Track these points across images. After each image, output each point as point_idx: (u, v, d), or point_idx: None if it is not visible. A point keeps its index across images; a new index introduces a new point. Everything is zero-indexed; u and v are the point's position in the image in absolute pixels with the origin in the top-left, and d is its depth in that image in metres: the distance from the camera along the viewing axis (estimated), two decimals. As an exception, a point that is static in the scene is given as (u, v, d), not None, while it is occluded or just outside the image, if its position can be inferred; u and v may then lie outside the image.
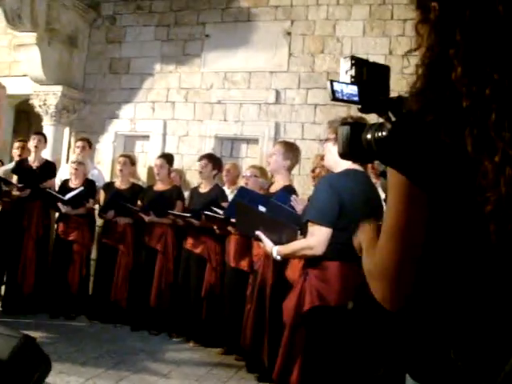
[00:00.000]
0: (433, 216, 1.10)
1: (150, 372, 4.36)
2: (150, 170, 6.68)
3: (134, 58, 7.28)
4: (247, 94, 6.68)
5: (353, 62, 1.48)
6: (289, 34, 6.59)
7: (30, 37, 6.88)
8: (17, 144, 6.11)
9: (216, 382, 4.23)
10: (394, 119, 1.36)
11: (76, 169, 6.01)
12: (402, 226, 1.09)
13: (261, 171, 5.10)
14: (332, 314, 2.59)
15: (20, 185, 5.86)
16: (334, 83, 1.45)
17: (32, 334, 3.64)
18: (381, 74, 1.54)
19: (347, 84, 1.46)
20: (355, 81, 1.47)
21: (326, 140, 2.86)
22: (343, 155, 1.54)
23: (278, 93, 6.56)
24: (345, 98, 1.45)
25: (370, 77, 1.50)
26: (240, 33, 6.80)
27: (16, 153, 6.20)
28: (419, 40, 1.16)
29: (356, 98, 1.46)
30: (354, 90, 1.46)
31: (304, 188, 5.42)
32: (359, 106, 1.51)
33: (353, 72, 1.47)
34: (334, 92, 1.45)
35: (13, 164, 6.31)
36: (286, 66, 6.57)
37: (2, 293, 6.00)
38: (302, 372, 2.70)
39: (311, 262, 2.74)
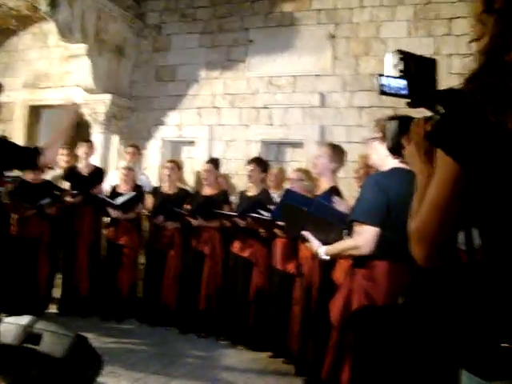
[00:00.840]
0: (479, 195, 1.15)
1: (198, 375, 4.39)
2: (197, 175, 6.76)
3: (180, 65, 7.41)
4: (292, 97, 6.70)
5: (401, 56, 1.48)
6: (333, 37, 6.58)
7: (81, 48, 7.11)
8: (64, 151, 6.30)
9: (264, 386, 4.24)
10: (443, 111, 1.35)
11: (126, 175, 6.13)
12: (443, 201, 1.17)
13: (306, 174, 5.08)
14: (380, 313, 2.56)
15: (74, 192, 6.04)
16: (382, 77, 1.45)
17: (84, 335, 3.75)
18: (428, 68, 1.53)
19: (394, 78, 1.46)
20: (404, 75, 1.47)
21: (373, 139, 2.84)
22: (392, 150, 1.54)
23: (322, 96, 6.55)
24: (392, 91, 1.45)
25: (418, 70, 1.49)
26: (283, 37, 6.83)
27: (63, 159, 6.36)
28: (483, 29, 1.18)
29: (404, 92, 1.46)
30: (401, 83, 1.46)
31: (350, 191, 5.37)
32: (408, 101, 1.50)
33: (401, 66, 1.47)
34: (381, 86, 1.45)
35: (60, 171, 6.50)
36: (331, 69, 6.57)
37: (56, 295, 6.17)
38: (353, 373, 2.67)
39: (359, 261, 2.72)
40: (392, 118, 1.56)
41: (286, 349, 4.68)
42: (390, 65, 1.48)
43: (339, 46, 6.57)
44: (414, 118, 1.48)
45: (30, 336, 3.51)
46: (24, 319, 3.64)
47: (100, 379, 3.80)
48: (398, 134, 1.50)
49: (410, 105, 1.50)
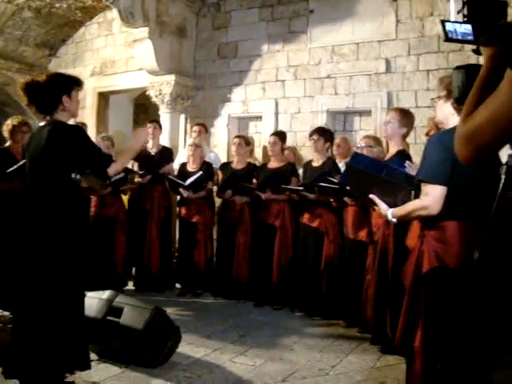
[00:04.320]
0: None
1: (274, 344, 4.45)
2: (265, 149, 6.78)
3: (241, 41, 7.40)
4: (356, 65, 6.56)
5: (464, 0, 1.41)
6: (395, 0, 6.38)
7: (143, 32, 7.25)
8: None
9: (339, 354, 4.22)
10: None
11: (193, 150, 6.23)
12: (503, 111, 1.13)
13: (375, 141, 4.99)
14: (452, 274, 2.49)
15: (141, 171, 6.21)
16: (446, 23, 1.39)
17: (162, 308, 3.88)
18: (497, 11, 1.45)
19: (460, 23, 1.40)
20: (468, 20, 1.40)
21: (438, 98, 2.75)
22: (460, 99, 1.49)
23: (387, 62, 6.38)
24: (459, 37, 1.39)
25: (485, 14, 1.42)
26: (344, 4, 6.68)
27: None
28: None
29: (471, 38, 1.39)
30: (468, 29, 1.39)
31: (421, 157, 5.25)
32: (474, 47, 1.44)
33: (465, 11, 1.40)
34: (446, 33, 1.39)
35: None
36: (394, 34, 6.38)
37: (134, 273, 6.42)
38: (425, 337, 2.62)
39: (428, 223, 2.65)
40: (458, 68, 1.49)
41: (360, 318, 4.66)
42: (454, 11, 1.42)
43: (402, 8, 6.35)
44: (481, 66, 1.42)
45: (112, 309, 3.68)
46: (105, 294, 3.82)
47: (179, 350, 3.93)
48: (465, 83, 1.44)
49: (476, 51, 1.44)
